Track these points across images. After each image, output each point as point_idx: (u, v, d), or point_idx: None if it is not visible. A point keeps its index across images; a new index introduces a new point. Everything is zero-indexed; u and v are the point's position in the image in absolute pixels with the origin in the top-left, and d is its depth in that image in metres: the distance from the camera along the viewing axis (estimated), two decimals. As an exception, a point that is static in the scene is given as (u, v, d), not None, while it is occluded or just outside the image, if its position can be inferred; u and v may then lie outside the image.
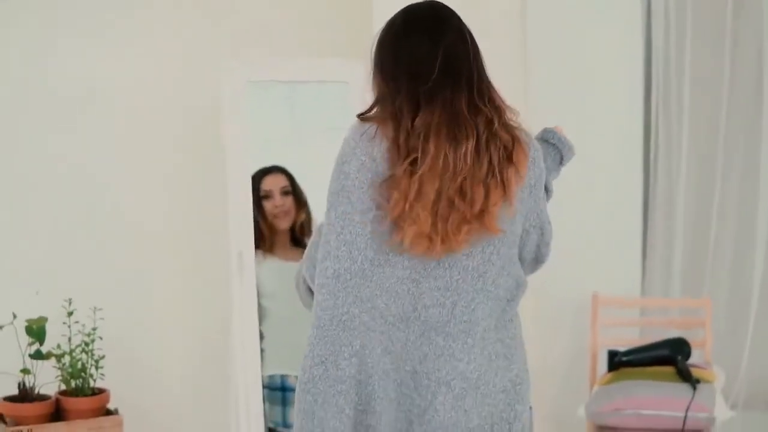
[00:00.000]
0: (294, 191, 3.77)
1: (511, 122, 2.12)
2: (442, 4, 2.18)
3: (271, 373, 3.58)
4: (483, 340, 2.10)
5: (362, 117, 2.13)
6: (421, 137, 2.03)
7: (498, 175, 2.04)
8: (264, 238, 3.67)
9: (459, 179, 2.02)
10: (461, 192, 2.02)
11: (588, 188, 4.17)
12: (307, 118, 3.80)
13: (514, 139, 2.08)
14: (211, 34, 3.77)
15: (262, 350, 3.52)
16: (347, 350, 2.07)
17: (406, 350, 2.07)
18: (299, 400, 2.12)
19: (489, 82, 2.13)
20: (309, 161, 3.72)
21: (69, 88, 3.62)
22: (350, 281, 2.07)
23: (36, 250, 3.58)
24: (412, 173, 2.03)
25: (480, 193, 2.03)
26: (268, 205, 3.72)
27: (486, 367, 2.09)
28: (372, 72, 2.16)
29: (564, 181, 4.18)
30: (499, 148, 2.05)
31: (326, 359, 2.08)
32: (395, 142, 2.05)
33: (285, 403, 3.53)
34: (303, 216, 3.80)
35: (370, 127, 2.09)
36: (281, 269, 3.61)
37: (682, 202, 4.23)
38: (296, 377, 3.18)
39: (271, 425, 3.53)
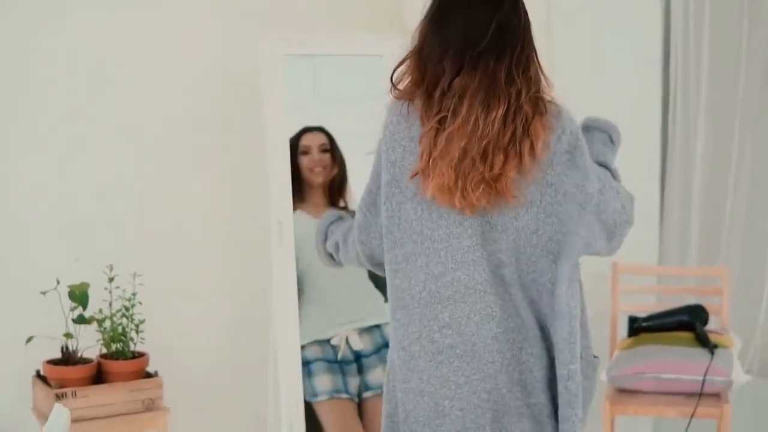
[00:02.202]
0: (332, 150, 3.77)
1: (543, 95, 2.21)
2: None
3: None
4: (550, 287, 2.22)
5: (395, 93, 2.24)
6: (456, 97, 2.14)
7: (517, 145, 2.15)
8: (296, 193, 3.64)
9: (484, 143, 2.13)
10: (483, 154, 2.14)
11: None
12: (342, 90, 3.84)
13: (535, 113, 2.17)
14: (248, 8, 3.83)
15: None
16: (436, 324, 2.19)
17: (504, 311, 2.19)
18: (405, 380, 2.22)
19: (531, 55, 2.23)
20: (344, 131, 3.77)
21: (112, 56, 3.68)
22: (417, 261, 2.19)
23: (77, 218, 3.64)
24: (437, 130, 2.14)
25: (500, 158, 2.14)
26: (305, 160, 3.72)
27: None
28: (423, 24, 2.24)
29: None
30: (522, 120, 2.15)
31: (420, 335, 2.20)
32: (428, 101, 2.16)
33: (310, 374, 3.56)
34: (339, 176, 3.79)
35: (403, 105, 2.21)
36: (308, 224, 3.59)
37: (698, 171, 4.30)
38: (312, 345, 3.30)
39: (307, 399, 3.55)
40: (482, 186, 2.14)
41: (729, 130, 4.27)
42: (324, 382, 3.55)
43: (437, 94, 2.15)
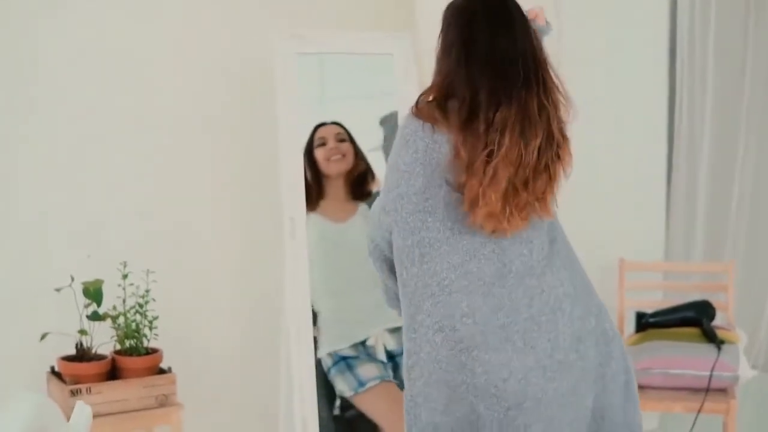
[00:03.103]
0: (350, 140, 3.70)
1: (565, 120, 2.36)
2: None
3: (328, 351, 3.58)
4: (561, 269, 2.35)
5: (416, 113, 2.33)
6: (498, 131, 2.25)
7: (552, 169, 2.31)
8: (311, 195, 3.57)
9: (526, 171, 2.27)
10: (525, 182, 2.27)
11: (614, 157, 4.30)
12: (351, 88, 3.84)
13: (564, 139, 2.34)
14: (260, 7, 3.84)
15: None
16: (458, 312, 2.26)
17: (512, 302, 2.27)
18: (430, 372, 2.29)
19: (550, 76, 2.34)
20: (352, 129, 3.77)
21: (124, 54, 3.69)
22: (439, 249, 2.27)
23: (91, 215, 3.66)
24: (487, 162, 2.25)
25: (541, 183, 2.29)
26: (321, 151, 3.64)
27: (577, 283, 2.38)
28: (445, 56, 2.34)
29: (591, 149, 4.33)
30: (555, 146, 2.31)
31: (443, 324, 2.27)
32: (471, 133, 2.26)
33: (351, 367, 3.55)
34: (362, 165, 3.71)
35: (425, 124, 2.31)
36: (323, 227, 3.59)
37: (704, 169, 4.34)
38: (349, 348, 3.32)
39: (351, 393, 3.54)
40: (526, 210, 2.29)
41: (734, 128, 4.30)
42: (370, 370, 3.53)
43: (482, 128, 2.26)
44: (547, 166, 2.30)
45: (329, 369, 3.57)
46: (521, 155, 2.25)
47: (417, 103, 2.36)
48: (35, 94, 3.58)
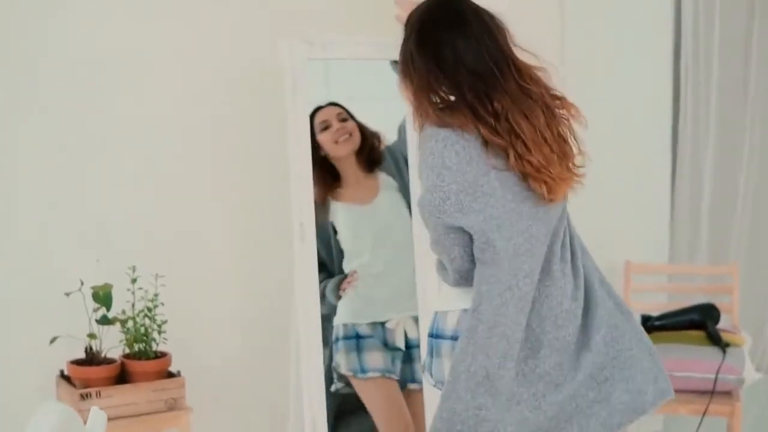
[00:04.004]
0: (351, 117, 3.67)
1: (549, 86, 2.54)
2: None
3: (344, 321, 3.60)
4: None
5: (438, 123, 2.46)
6: (510, 119, 2.43)
7: (569, 130, 2.54)
8: (325, 181, 3.54)
9: (553, 145, 2.48)
10: (561, 151, 2.50)
11: (618, 160, 4.32)
12: (355, 92, 3.84)
13: (561, 100, 2.53)
14: (270, 12, 3.86)
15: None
16: (521, 273, 2.44)
17: (562, 266, 2.52)
18: (497, 324, 2.43)
19: (517, 60, 2.50)
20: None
21: (132, 57, 3.70)
22: (505, 218, 2.44)
23: (100, 219, 3.67)
24: (517, 144, 2.44)
25: (568, 149, 2.52)
26: (327, 135, 3.58)
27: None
28: (417, 66, 2.50)
29: (595, 152, 4.34)
30: (557, 114, 2.51)
31: (511, 285, 2.43)
32: (488, 130, 2.43)
33: (360, 349, 3.57)
34: (369, 137, 3.67)
35: (454, 129, 2.44)
36: (349, 213, 3.58)
37: (708, 170, 4.35)
38: (367, 325, 3.36)
39: (350, 372, 3.57)
40: (570, 173, 2.53)
41: (739, 130, 4.31)
42: (375, 359, 3.55)
43: (492, 120, 2.43)
44: (562, 134, 2.51)
45: (338, 339, 3.58)
46: (541, 134, 2.45)
47: (426, 115, 2.48)
48: (43, 96, 3.59)
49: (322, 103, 3.68)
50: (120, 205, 3.71)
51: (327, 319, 3.62)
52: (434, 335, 2.61)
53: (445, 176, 2.44)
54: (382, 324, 3.59)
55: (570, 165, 2.53)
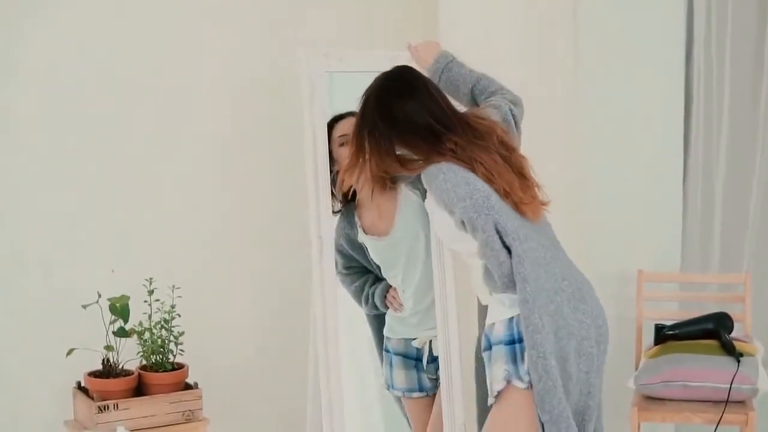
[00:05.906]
0: None
1: (473, 111, 3.08)
2: (409, 67, 3.13)
3: (386, 334, 3.60)
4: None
5: (428, 163, 2.92)
6: (467, 150, 2.89)
7: (511, 159, 2.97)
8: (345, 195, 3.44)
9: (513, 171, 2.93)
10: (522, 182, 2.94)
11: (630, 168, 4.32)
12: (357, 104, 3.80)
13: (514, 151, 2.99)
14: (289, 25, 3.89)
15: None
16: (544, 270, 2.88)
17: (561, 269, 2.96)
18: (546, 303, 2.83)
19: (467, 115, 3.02)
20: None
21: (150, 67, 3.73)
22: (518, 232, 2.84)
23: (116, 231, 3.69)
24: (480, 170, 2.89)
25: (529, 183, 2.98)
26: (345, 152, 3.22)
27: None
28: (386, 135, 2.95)
29: (607, 160, 4.34)
30: (498, 141, 2.96)
31: (539, 277, 2.84)
32: (453, 156, 2.91)
33: (391, 366, 3.58)
34: None
35: (440, 162, 2.89)
36: (371, 244, 3.48)
37: (720, 178, 4.33)
38: (397, 341, 3.50)
39: (383, 384, 3.61)
40: (535, 197, 2.98)
41: (751, 139, 4.29)
42: (400, 379, 3.57)
43: (452, 154, 2.90)
44: (521, 169, 2.95)
45: (387, 347, 3.63)
46: (501, 164, 2.90)
47: (405, 164, 2.96)
48: (62, 107, 3.61)
49: (342, 111, 3.49)
50: (137, 217, 3.73)
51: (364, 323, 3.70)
52: (488, 347, 2.90)
53: (472, 184, 2.82)
54: (410, 341, 3.61)
55: (533, 194, 2.94)
